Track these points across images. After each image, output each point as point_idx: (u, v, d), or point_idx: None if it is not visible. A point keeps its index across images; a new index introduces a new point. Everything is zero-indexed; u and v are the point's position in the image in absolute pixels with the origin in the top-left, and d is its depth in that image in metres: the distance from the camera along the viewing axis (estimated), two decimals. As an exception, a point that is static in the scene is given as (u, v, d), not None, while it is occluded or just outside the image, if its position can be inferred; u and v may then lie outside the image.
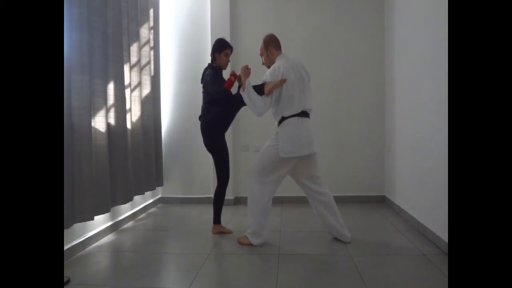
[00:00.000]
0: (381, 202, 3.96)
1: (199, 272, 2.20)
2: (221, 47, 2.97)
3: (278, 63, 2.65)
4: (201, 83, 2.98)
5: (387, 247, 2.62)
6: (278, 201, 4.04)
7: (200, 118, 2.97)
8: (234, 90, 2.89)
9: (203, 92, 2.96)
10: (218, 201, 3.00)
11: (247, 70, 2.66)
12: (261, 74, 2.72)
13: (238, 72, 2.83)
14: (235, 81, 2.74)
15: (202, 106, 2.98)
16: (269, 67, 2.76)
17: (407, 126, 3.24)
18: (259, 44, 2.79)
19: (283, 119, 2.63)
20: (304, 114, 2.63)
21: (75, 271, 2.21)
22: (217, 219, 3.00)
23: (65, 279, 2.06)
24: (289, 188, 4.06)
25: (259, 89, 2.57)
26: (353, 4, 3.98)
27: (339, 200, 3.98)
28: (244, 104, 2.66)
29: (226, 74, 2.93)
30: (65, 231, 2.35)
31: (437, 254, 2.40)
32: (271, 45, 2.74)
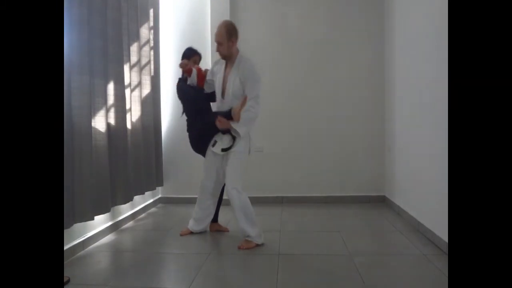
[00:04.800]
0: (381, 202, 3.96)
1: (199, 272, 2.20)
2: (190, 55, 2.99)
3: (252, 63, 2.64)
4: (179, 98, 2.97)
5: (387, 247, 2.62)
6: (278, 201, 4.04)
7: (188, 131, 2.95)
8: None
9: (183, 107, 2.95)
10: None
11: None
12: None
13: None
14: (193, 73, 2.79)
15: (187, 120, 2.95)
16: (224, 57, 2.67)
17: (407, 126, 3.25)
18: (219, 29, 2.58)
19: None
20: None
21: (75, 271, 2.21)
22: (214, 217, 3.01)
23: (65, 279, 2.06)
24: (289, 188, 4.08)
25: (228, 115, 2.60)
26: (354, 5, 3.98)
27: (339, 200, 4.01)
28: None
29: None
30: (65, 231, 2.35)
31: (437, 254, 2.40)
32: (235, 36, 2.59)
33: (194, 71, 2.80)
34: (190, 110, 2.91)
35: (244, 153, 2.68)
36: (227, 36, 2.57)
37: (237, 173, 2.65)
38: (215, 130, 2.67)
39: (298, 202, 4.00)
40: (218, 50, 2.66)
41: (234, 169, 2.64)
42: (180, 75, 3.03)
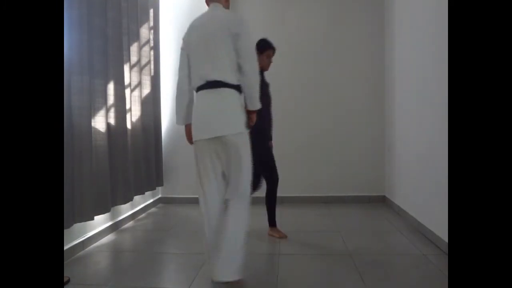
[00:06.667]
0: (381, 202, 3.96)
1: (199, 272, 2.20)
2: (263, 47, 2.69)
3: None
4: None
5: (387, 247, 2.62)
6: (278, 201, 4.02)
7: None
8: None
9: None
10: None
11: None
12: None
13: None
14: None
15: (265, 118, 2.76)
16: None
17: (407, 126, 3.24)
18: None
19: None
20: (209, 85, 1.95)
21: (75, 271, 2.21)
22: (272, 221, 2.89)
23: (65, 279, 2.06)
24: (289, 188, 4.08)
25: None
26: (353, 4, 3.98)
27: (339, 200, 4.01)
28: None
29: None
30: (65, 231, 2.35)
31: (437, 254, 2.40)
32: None
33: None
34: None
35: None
36: None
37: None
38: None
39: (298, 202, 4.00)
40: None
41: None
42: None
